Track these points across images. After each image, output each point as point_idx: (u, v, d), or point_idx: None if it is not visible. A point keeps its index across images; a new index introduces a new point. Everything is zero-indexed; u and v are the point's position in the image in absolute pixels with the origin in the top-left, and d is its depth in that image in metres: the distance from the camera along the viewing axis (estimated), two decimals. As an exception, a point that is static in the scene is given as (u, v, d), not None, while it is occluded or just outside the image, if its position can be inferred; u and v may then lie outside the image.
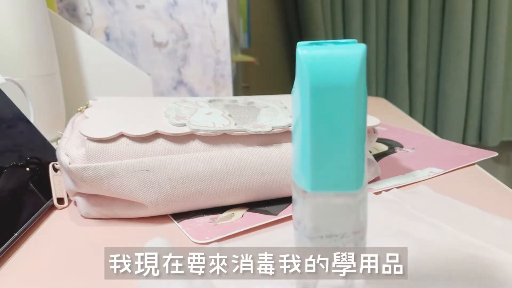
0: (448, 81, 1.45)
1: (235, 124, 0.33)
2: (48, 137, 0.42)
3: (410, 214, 0.30)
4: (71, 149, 0.31)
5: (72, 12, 0.69)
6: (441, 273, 0.24)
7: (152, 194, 0.31)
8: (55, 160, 0.35)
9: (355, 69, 0.17)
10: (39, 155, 0.38)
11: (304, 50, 0.17)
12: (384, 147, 0.50)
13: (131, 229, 0.32)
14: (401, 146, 0.50)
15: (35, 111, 0.49)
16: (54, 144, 0.41)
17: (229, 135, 0.33)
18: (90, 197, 0.33)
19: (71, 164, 0.31)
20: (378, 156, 0.46)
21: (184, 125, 0.32)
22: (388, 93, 1.58)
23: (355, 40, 0.18)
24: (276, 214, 0.32)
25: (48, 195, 0.35)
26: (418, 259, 0.25)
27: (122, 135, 0.31)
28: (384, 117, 0.61)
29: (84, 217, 0.33)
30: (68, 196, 0.35)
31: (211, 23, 0.69)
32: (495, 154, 0.45)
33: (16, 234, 0.30)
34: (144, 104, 0.38)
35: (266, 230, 0.30)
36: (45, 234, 0.32)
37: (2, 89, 0.39)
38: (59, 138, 0.59)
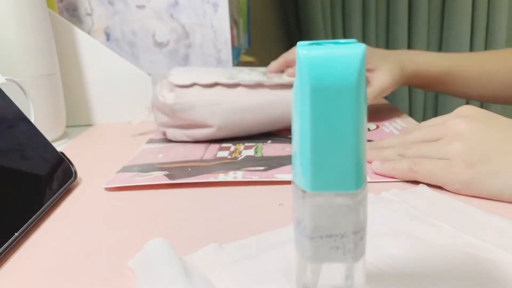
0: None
1: (267, 78, 0.53)
2: (49, 136, 0.43)
3: (410, 214, 0.30)
4: (165, 93, 0.50)
5: (72, 12, 0.69)
6: (441, 273, 0.24)
7: (218, 119, 0.49)
8: (55, 159, 0.35)
9: (355, 69, 0.17)
10: (39, 155, 0.38)
11: (304, 50, 0.17)
12: (384, 147, 0.50)
13: (131, 229, 0.32)
14: (401, 146, 0.50)
15: (36, 111, 0.49)
16: (54, 144, 0.41)
17: (262, 84, 0.51)
18: (178, 126, 0.51)
19: (166, 102, 0.49)
20: (378, 156, 0.46)
21: (234, 79, 0.51)
22: (388, 93, 1.57)
23: (355, 40, 0.18)
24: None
25: (48, 195, 0.35)
26: (418, 259, 0.25)
27: (195, 84, 0.50)
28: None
29: (172, 141, 0.53)
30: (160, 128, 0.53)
31: (212, 23, 0.69)
32: (495, 154, 0.45)
33: (16, 234, 0.30)
34: (210, 70, 0.56)
35: (266, 230, 0.30)
36: (45, 234, 0.32)
37: (2, 89, 0.39)
38: (59, 138, 0.59)
